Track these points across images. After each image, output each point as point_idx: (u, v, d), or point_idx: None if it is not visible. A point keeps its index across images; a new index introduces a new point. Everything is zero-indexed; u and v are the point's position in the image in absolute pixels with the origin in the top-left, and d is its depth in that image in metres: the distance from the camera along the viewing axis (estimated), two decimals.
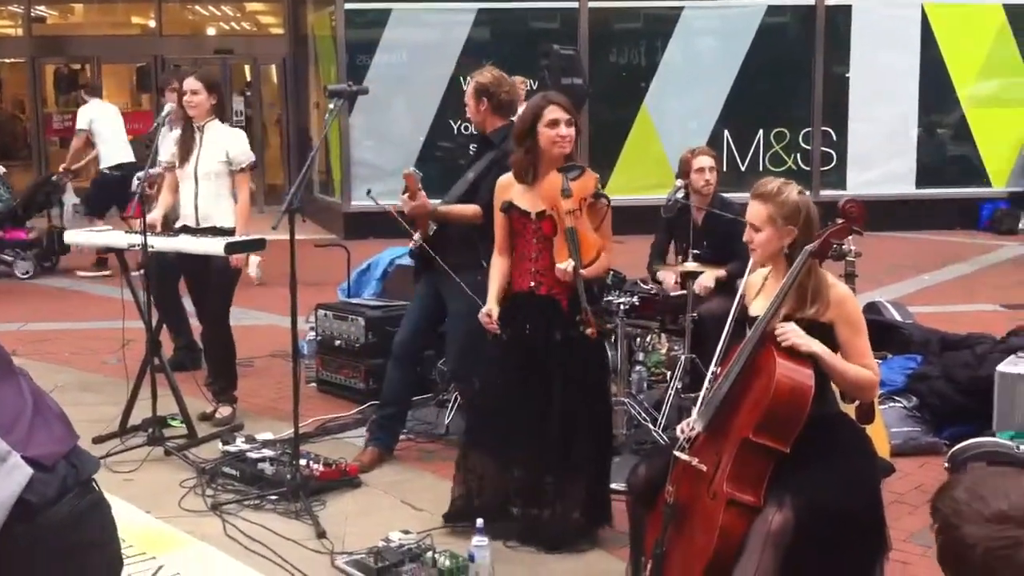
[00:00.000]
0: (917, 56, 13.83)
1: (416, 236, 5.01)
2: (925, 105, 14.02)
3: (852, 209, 3.42)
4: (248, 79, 17.60)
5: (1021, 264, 11.52)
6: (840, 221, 3.43)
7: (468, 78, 5.18)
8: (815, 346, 3.26)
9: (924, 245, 12.63)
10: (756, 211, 3.42)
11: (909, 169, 14.07)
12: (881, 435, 4.61)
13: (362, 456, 5.16)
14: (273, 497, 4.65)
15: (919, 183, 14.09)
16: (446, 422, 5.67)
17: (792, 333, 3.27)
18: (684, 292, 5.67)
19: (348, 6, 13.18)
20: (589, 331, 4.08)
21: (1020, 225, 13.60)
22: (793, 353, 3.28)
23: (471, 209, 4.92)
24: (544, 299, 4.26)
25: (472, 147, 5.32)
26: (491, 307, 4.42)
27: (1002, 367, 5.28)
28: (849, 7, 13.79)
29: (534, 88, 11.56)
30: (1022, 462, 4.56)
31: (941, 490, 1.64)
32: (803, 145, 13.97)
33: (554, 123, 4.22)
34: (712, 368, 3.55)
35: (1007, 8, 13.88)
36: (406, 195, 4.88)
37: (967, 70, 13.95)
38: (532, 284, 4.32)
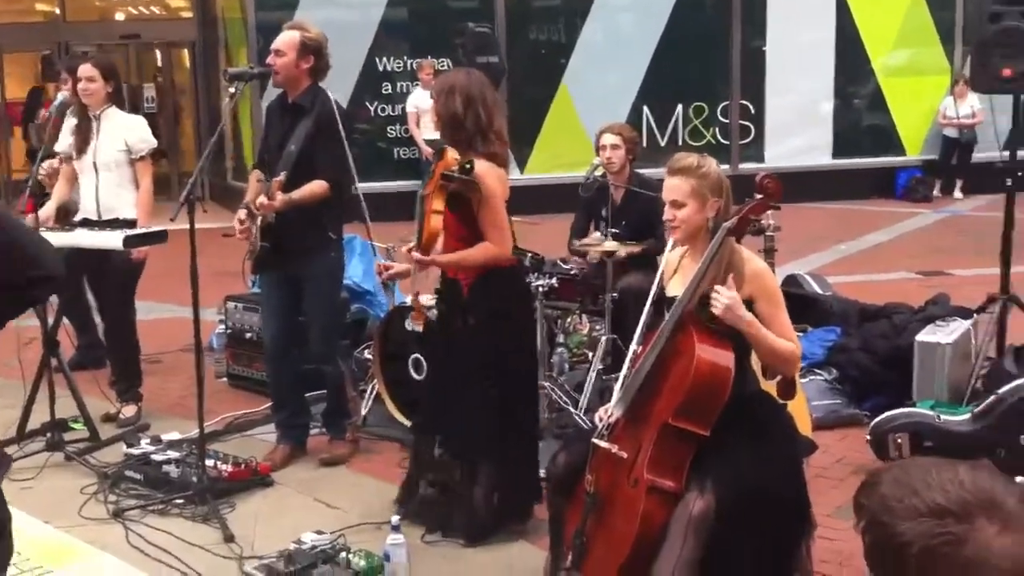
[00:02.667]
0: (832, 28, 13.92)
1: (256, 238, 4.75)
2: (840, 76, 14.13)
3: (769, 184, 3.32)
4: (159, 64, 17.13)
5: (935, 231, 11.68)
6: (758, 197, 3.33)
7: (295, 31, 4.79)
8: (745, 321, 3.16)
9: (841, 215, 12.73)
10: (676, 186, 3.32)
11: (826, 140, 14.20)
12: (803, 411, 4.54)
13: (273, 454, 4.98)
14: (179, 501, 4.45)
15: (836, 154, 14.22)
16: (363, 413, 5.50)
17: (726, 299, 3.13)
18: (605, 267, 5.57)
19: None
20: (412, 316, 4.01)
21: (935, 192, 13.81)
22: (713, 334, 3.19)
23: (319, 187, 4.69)
24: (451, 282, 4.16)
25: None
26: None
27: (920, 336, 5.30)
28: None
29: (450, 68, 11.40)
30: (944, 433, 4.54)
31: (865, 485, 1.50)
32: (722, 119, 13.99)
33: None
34: (632, 347, 3.44)
35: None
36: (262, 198, 4.62)
37: (881, 40, 14.07)
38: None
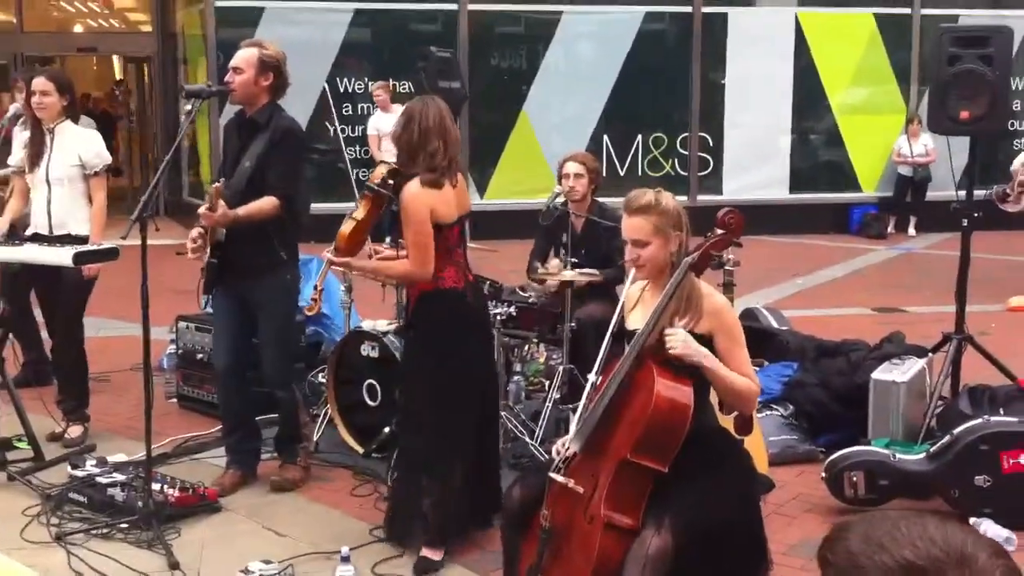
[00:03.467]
0: (791, 63, 14.07)
1: (207, 254, 4.71)
2: (798, 112, 14.28)
3: (731, 220, 3.30)
4: (119, 77, 16.92)
5: (890, 268, 11.79)
6: (720, 232, 3.31)
7: (253, 48, 4.73)
8: (703, 358, 3.14)
9: (798, 249, 12.83)
10: (638, 226, 3.28)
11: (783, 174, 14.32)
12: (759, 447, 4.54)
13: (222, 479, 4.87)
14: (124, 525, 4.34)
15: (792, 188, 14.34)
16: (315, 438, 5.40)
17: (680, 342, 3.13)
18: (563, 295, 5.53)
19: (219, 3, 12.75)
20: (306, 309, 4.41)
21: (889, 229, 13.97)
22: (672, 369, 3.16)
23: (268, 203, 4.60)
24: (408, 297, 4.34)
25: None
26: None
27: (876, 374, 5.30)
28: (725, 15, 13.94)
29: (412, 92, 11.36)
30: (899, 472, 4.55)
31: (830, 539, 1.45)
32: (681, 150, 14.07)
33: None
34: (592, 377, 3.40)
35: (877, 17, 14.22)
36: (206, 208, 4.53)
37: (838, 78, 14.25)
38: None
